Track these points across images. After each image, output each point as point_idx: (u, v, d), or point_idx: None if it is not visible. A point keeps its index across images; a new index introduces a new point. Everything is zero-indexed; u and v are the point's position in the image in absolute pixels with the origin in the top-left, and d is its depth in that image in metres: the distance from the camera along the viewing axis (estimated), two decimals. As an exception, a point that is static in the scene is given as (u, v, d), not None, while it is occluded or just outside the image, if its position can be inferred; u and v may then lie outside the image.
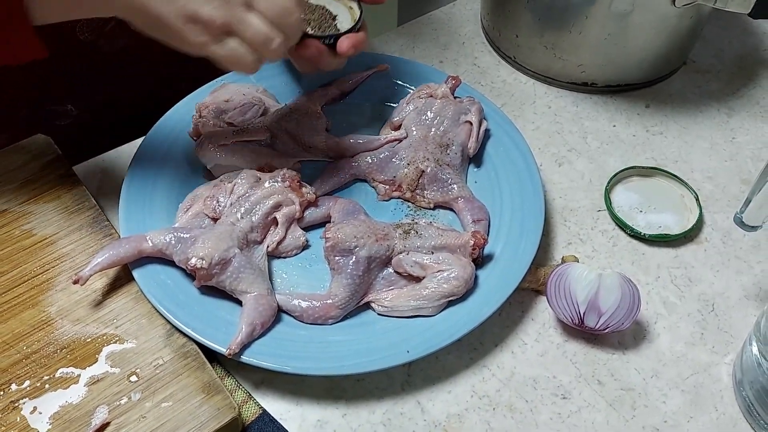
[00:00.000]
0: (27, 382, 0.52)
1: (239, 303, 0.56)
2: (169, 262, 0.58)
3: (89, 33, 0.72)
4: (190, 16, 0.51)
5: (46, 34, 0.55)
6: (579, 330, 0.58)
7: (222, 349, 0.53)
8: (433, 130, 0.67)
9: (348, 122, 0.72)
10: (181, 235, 0.57)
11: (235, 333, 0.53)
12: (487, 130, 0.70)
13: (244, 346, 0.53)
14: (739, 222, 0.56)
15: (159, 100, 0.71)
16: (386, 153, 0.67)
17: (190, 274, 0.57)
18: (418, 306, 0.56)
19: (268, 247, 0.60)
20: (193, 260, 0.55)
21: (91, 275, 0.55)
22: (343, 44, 0.60)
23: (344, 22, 0.62)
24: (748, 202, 0.55)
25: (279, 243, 0.60)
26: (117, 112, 0.79)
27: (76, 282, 0.55)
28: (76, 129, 0.78)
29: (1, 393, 0.51)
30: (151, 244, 0.57)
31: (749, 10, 0.68)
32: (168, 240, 0.57)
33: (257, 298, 0.56)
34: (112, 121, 0.78)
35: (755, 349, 0.52)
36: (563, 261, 0.61)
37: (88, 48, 0.73)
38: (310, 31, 0.60)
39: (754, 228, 0.56)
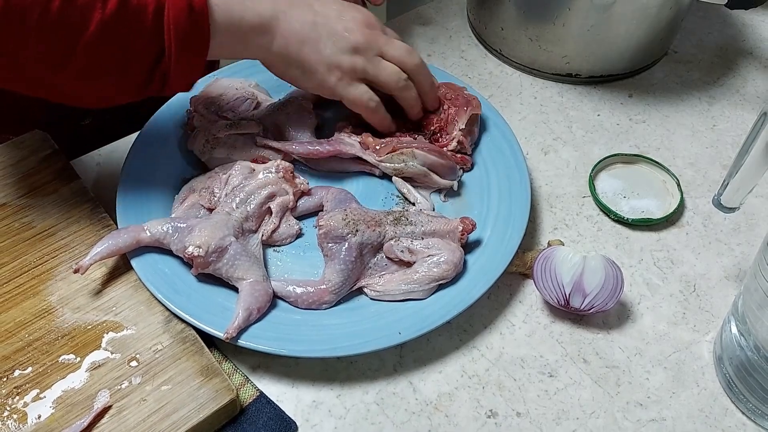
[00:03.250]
0: (30, 369, 0.53)
1: (235, 290, 0.58)
2: (166, 251, 0.59)
3: None
4: (335, 64, 0.61)
5: None
6: (565, 311, 0.60)
7: (219, 334, 0.54)
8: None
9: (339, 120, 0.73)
10: (178, 224, 0.59)
11: (232, 318, 0.55)
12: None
13: (241, 331, 0.55)
14: (718, 204, 0.58)
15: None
16: None
17: (187, 263, 0.58)
18: (409, 290, 0.58)
19: (262, 235, 0.61)
20: (190, 248, 0.57)
21: (90, 264, 0.57)
22: None
23: None
24: (725, 184, 0.57)
25: (273, 231, 0.62)
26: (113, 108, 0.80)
27: (76, 271, 0.56)
28: (73, 125, 0.79)
29: (5, 379, 0.53)
30: (148, 234, 0.58)
31: (726, 1, 0.70)
32: (165, 229, 0.58)
33: (253, 284, 0.57)
34: (108, 116, 0.79)
35: (734, 328, 0.54)
36: (549, 245, 0.63)
37: None
38: None
39: (731, 210, 0.58)
